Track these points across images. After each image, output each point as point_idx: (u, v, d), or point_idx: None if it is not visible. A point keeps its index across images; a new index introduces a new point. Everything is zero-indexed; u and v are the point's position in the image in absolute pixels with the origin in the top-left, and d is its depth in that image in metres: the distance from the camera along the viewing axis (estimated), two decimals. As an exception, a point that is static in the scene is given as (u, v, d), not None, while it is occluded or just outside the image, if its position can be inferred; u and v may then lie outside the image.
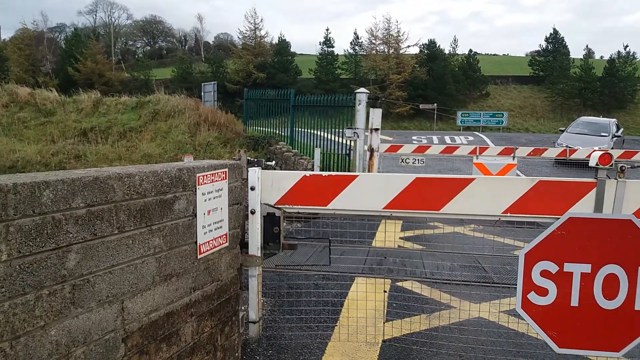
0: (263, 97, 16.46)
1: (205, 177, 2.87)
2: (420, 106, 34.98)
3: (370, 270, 5.67)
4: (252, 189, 3.32)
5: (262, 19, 46.96)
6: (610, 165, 2.93)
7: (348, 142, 11.77)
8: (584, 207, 3.05)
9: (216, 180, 2.96)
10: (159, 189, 2.59)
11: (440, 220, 8.40)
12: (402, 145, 12.29)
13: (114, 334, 2.25)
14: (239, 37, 48.39)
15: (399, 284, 5.26)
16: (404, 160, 11.92)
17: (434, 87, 39.30)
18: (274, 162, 3.76)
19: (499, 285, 5.21)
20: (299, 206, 3.34)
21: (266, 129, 16.15)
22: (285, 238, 3.63)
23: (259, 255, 3.42)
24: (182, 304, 2.83)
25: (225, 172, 3.06)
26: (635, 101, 40.24)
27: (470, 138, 26.71)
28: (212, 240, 2.99)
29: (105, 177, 2.20)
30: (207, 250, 2.96)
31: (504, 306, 4.47)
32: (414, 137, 26.51)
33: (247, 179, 3.35)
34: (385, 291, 4.39)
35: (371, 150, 10.37)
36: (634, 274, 2.86)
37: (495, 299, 4.71)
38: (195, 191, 2.82)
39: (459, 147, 12.14)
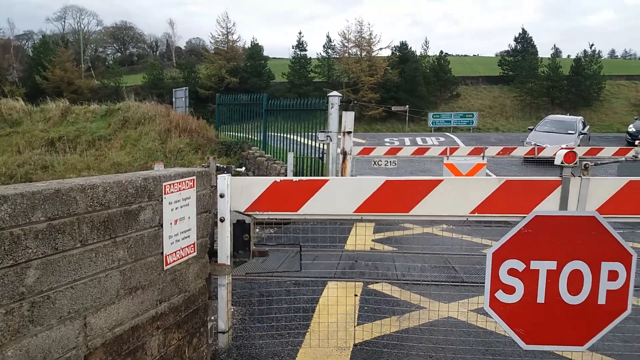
0: (235, 102, 16.38)
1: (171, 185, 2.82)
2: (393, 108, 35.28)
3: (342, 274, 5.67)
4: (222, 196, 3.29)
5: (234, 23, 46.82)
6: (575, 163, 3.00)
7: (321, 146, 11.79)
8: (549, 205, 3.11)
9: (183, 189, 2.92)
10: (123, 199, 2.54)
11: (411, 222, 8.46)
12: (375, 148, 12.38)
13: (75, 352, 2.19)
14: (211, 42, 48.16)
15: (371, 286, 5.27)
16: (376, 163, 12.00)
17: (405, 89, 39.71)
18: (243, 169, 3.75)
19: (469, 284, 5.27)
20: (270, 212, 3.32)
21: (239, 134, 16.07)
22: (256, 245, 3.60)
23: (229, 263, 3.38)
24: (148, 317, 2.77)
25: (193, 180, 3.02)
26: (601, 99, 41.35)
27: (442, 139, 27.05)
28: (179, 250, 2.94)
29: (67, 189, 2.15)
30: (174, 261, 2.92)
31: (473, 305, 4.52)
32: (387, 139, 26.71)
33: (216, 186, 3.31)
34: (356, 295, 4.40)
35: (344, 154, 10.41)
36: (597, 270, 2.93)
37: (465, 298, 4.76)
38: (162, 200, 2.77)
39: (430, 148, 12.28)
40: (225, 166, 3.36)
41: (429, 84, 41.48)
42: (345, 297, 4.52)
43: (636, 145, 11.38)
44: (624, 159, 9.24)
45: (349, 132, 10.36)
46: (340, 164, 10.47)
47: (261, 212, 3.30)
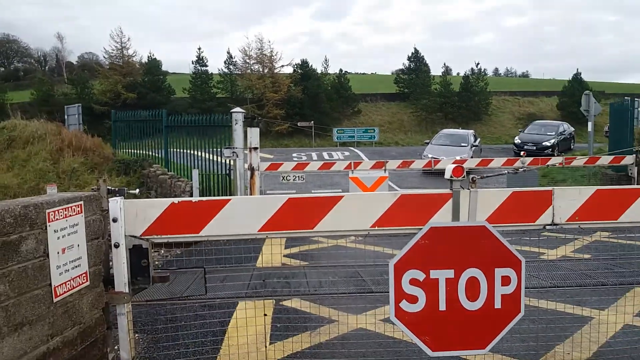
0: (133, 118, 15.68)
1: (56, 212, 2.60)
2: (298, 124, 35.66)
3: (254, 293, 5.57)
4: (115, 220, 3.08)
5: (129, 38, 44.71)
6: (463, 177, 3.17)
7: (228, 162, 11.60)
8: (443, 216, 3.26)
9: (70, 215, 2.71)
10: (0, 229, 2.30)
11: (320, 237, 8.55)
12: (282, 163, 12.42)
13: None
14: (104, 57, 45.70)
15: (284, 303, 5.22)
16: (285, 178, 12.04)
17: (309, 105, 40.31)
18: (137, 191, 3.54)
19: (378, 293, 5.39)
20: (169, 235, 3.17)
21: (139, 152, 15.36)
22: (157, 269, 3.42)
23: (127, 291, 3.17)
24: (38, 354, 2.54)
25: (81, 205, 2.81)
26: (489, 113, 44.65)
27: (347, 153, 27.76)
28: (69, 280, 2.71)
29: None
30: (65, 292, 2.69)
31: (383, 315, 4.62)
32: (294, 154, 26.92)
33: (108, 211, 3.10)
34: (265, 314, 4.33)
35: (252, 169, 10.32)
36: (492, 275, 3.10)
37: (375, 309, 4.86)
38: (46, 229, 2.55)
39: (335, 162, 12.56)
40: (117, 189, 3.16)
41: (332, 101, 42.45)
42: (256, 317, 4.42)
43: (521, 156, 12.40)
44: (507, 170, 10.03)
45: (256, 148, 10.30)
46: (249, 179, 10.36)
47: (159, 236, 3.14)
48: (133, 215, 3.13)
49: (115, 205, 3.08)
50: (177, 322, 4.43)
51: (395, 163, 12.27)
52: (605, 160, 12.75)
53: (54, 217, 2.57)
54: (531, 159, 12.30)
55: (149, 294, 5.17)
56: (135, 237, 3.16)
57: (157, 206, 3.14)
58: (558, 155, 21.66)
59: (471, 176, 3.20)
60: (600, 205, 3.51)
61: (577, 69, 50.77)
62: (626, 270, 6.33)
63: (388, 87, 49.53)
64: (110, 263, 3.29)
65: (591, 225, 3.58)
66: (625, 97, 16.31)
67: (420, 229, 3.01)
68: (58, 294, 2.64)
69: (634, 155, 12.18)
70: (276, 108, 40.00)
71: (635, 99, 15.04)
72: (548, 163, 12.23)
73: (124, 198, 3.16)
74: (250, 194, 9.98)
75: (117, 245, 3.14)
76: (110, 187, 3.18)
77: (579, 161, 12.80)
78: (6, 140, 16.83)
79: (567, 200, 3.41)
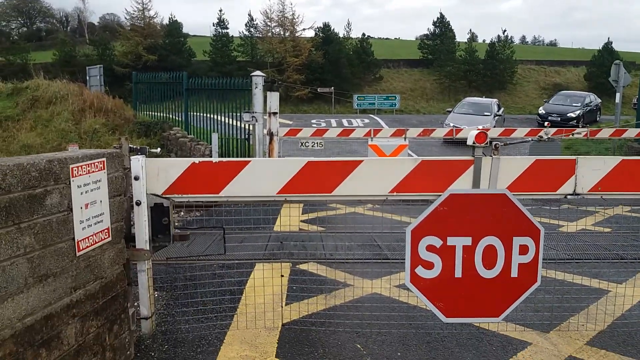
0: (154, 80, 15.70)
1: (80, 168, 2.64)
2: (318, 90, 35.32)
3: (271, 256, 5.65)
4: (136, 178, 3.13)
5: (150, -1, 44.20)
6: (486, 144, 3.12)
7: (247, 127, 11.61)
8: (463, 184, 3.23)
9: (93, 171, 2.75)
10: (26, 183, 2.35)
11: (336, 202, 8.58)
12: (301, 129, 12.38)
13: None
14: (126, 18, 45.38)
15: (300, 266, 5.30)
16: (303, 144, 12.03)
17: (330, 70, 39.78)
18: (159, 150, 3.57)
19: (393, 260, 5.43)
20: (189, 195, 3.21)
21: (159, 114, 15.45)
22: (177, 228, 3.48)
23: (148, 248, 3.24)
24: (62, 306, 2.62)
25: (103, 161, 2.85)
26: (514, 82, 43.62)
27: (366, 120, 27.54)
28: (92, 235, 2.78)
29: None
30: (87, 247, 2.75)
31: (397, 281, 4.66)
32: (313, 121, 26.81)
33: (130, 169, 3.15)
34: (282, 276, 4.40)
35: (270, 135, 10.32)
36: (509, 244, 3.09)
37: (390, 275, 4.90)
38: (70, 184, 2.59)
39: (354, 129, 12.48)
40: (139, 147, 3.19)
41: (353, 66, 41.80)
42: (273, 279, 4.50)
43: (545, 127, 12.15)
44: (530, 139, 9.86)
45: (275, 113, 10.27)
46: (268, 145, 10.38)
47: (180, 195, 3.18)
48: (154, 174, 3.18)
49: (137, 163, 3.12)
50: (196, 281, 4.53)
51: (415, 131, 12.14)
52: (632, 132, 12.41)
53: (78, 172, 2.62)
54: (555, 129, 12.06)
55: (168, 252, 5.30)
56: (156, 195, 3.21)
57: (178, 165, 3.17)
58: (583, 127, 21.23)
59: (494, 143, 3.15)
60: (624, 176, 3.44)
61: (608, 38, 48.75)
62: (647, 245, 6.26)
63: (411, 53, 48.56)
64: (132, 221, 3.36)
65: (614, 196, 3.52)
66: (657, 68, 15.77)
67: (440, 195, 2.99)
68: (81, 248, 2.70)
69: None
70: (296, 73, 39.61)
71: (668, 70, 14.54)
72: (572, 133, 11.99)
73: (146, 157, 3.20)
74: (270, 159, 10.01)
75: (138, 203, 3.20)
76: (132, 146, 3.22)
77: (605, 133, 12.50)
78: (29, 100, 17.05)
79: (591, 170, 3.35)
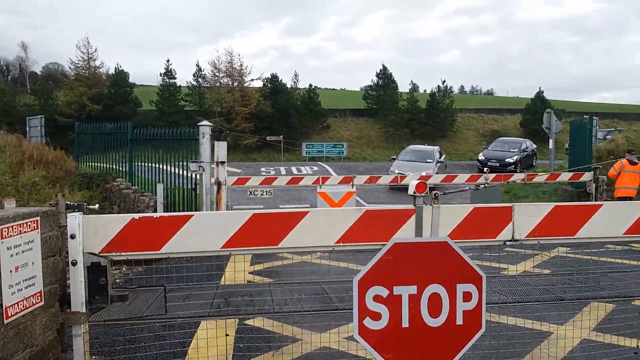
0: (98, 131, 15.36)
1: (10, 229, 2.51)
2: (267, 138, 35.55)
3: (217, 312, 5.47)
4: (73, 237, 2.99)
5: (96, 49, 43.55)
6: (426, 193, 3.21)
7: (194, 176, 11.47)
8: (407, 232, 3.28)
9: (25, 232, 2.61)
10: (-53, 247, 2.20)
11: (285, 253, 8.49)
12: (250, 178, 12.38)
13: None
14: (70, 68, 44.49)
15: (247, 322, 5.15)
16: (252, 193, 11.99)
17: (279, 119, 40.26)
18: (97, 206, 3.45)
19: (343, 310, 5.37)
20: (129, 253, 3.09)
21: (103, 165, 15.03)
22: (116, 288, 3.33)
23: (84, 311, 3.07)
24: (-16, 380, 2.42)
25: (37, 220, 2.72)
26: (454, 130, 45.53)
27: (315, 168, 27.82)
28: (22, 300, 2.61)
29: None
30: (17, 313, 2.58)
31: (347, 332, 4.60)
32: (263, 169, 26.82)
33: (66, 227, 3.01)
34: (227, 334, 4.25)
35: (218, 184, 10.22)
36: (454, 292, 3.12)
37: (340, 326, 4.83)
38: (-2, 246, 2.45)
39: (303, 177, 12.59)
40: (76, 204, 3.07)
41: (301, 116, 42.54)
42: (217, 338, 4.33)
43: (484, 172, 12.67)
44: (467, 187, 10.25)
45: (223, 162, 10.22)
46: (215, 194, 10.25)
47: (119, 253, 3.06)
48: (92, 232, 3.05)
49: (74, 221, 2.99)
50: (137, 343, 4.31)
51: (362, 178, 12.39)
52: (565, 177, 13.16)
53: (8, 233, 2.48)
54: (494, 175, 12.60)
55: (108, 313, 5.03)
56: (93, 254, 3.07)
57: (117, 222, 3.06)
58: (521, 172, 22.26)
59: (434, 192, 3.24)
60: (558, 221, 3.60)
61: (540, 87, 52.19)
62: (584, 285, 6.51)
63: (357, 103, 50.02)
64: (68, 281, 3.18)
65: (550, 240, 3.67)
66: (585, 116, 16.93)
67: (385, 244, 3.02)
68: (9, 315, 2.53)
69: (592, 172, 12.59)
70: (245, 122, 39.79)
71: (594, 117, 15.62)
72: (510, 179, 12.55)
73: (84, 214, 3.07)
74: (217, 209, 9.87)
75: (74, 263, 3.04)
76: (69, 202, 3.09)
77: (540, 178, 13.19)
78: (-37, 152, 16.21)
79: (527, 217, 3.49)
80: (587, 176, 12.71)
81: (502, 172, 19.70)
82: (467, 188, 7.55)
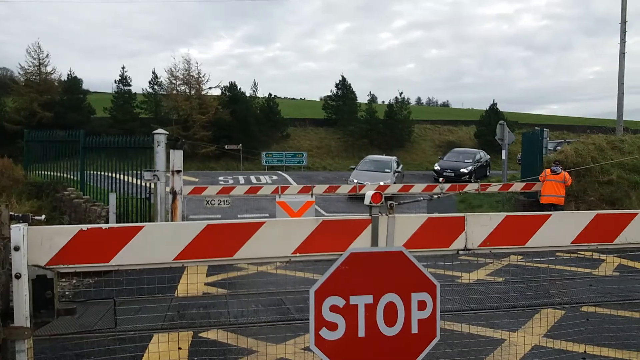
0: (48, 139, 14.83)
1: (-55, 241, 2.37)
2: (226, 147, 35.23)
3: (171, 325, 5.33)
4: (16, 249, 2.84)
5: (47, 54, 42.06)
6: (382, 203, 3.23)
7: (149, 185, 11.21)
8: (363, 242, 3.30)
9: (-38, 244, 2.47)
10: None
11: (243, 263, 8.40)
12: (207, 187, 12.19)
13: None
14: (19, 73, 42.82)
15: (202, 334, 5.05)
16: (209, 202, 11.81)
17: (238, 128, 39.95)
18: (43, 217, 3.30)
19: (300, 321, 5.34)
20: (76, 265, 2.96)
21: (54, 174, 14.50)
22: (64, 301, 3.19)
23: (28, 326, 2.92)
24: None
25: (-24, 232, 2.58)
26: (412, 140, 46.45)
27: (275, 177, 27.74)
28: (-42, 316, 2.46)
29: None
30: (-48, 330, 2.43)
31: (304, 344, 4.58)
32: (221, 178, 26.50)
33: (9, 238, 2.86)
34: (180, 348, 4.15)
35: (174, 193, 10.02)
36: (408, 300, 3.15)
37: (296, 337, 4.81)
38: None
39: (262, 187, 12.52)
40: (21, 215, 2.93)
41: (261, 124, 42.40)
42: (170, 352, 4.22)
43: (440, 182, 12.96)
44: (421, 197, 10.47)
45: (179, 171, 10.03)
46: (170, 204, 10.05)
47: (67, 265, 2.93)
48: (38, 244, 2.91)
49: (18, 232, 2.85)
50: (86, 358, 4.14)
51: (322, 188, 12.42)
52: (517, 187, 13.62)
53: (-58, 246, 2.34)
54: (449, 185, 12.90)
55: (56, 327, 4.82)
56: (39, 266, 2.93)
57: (64, 234, 2.94)
58: (475, 182, 22.86)
59: (389, 202, 3.27)
60: (509, 230, 3.69)
61: (494, 100, 53.91)
62: (535, 292, 6.71)
63: (316, 113, 50.28)
64: (11, 295, 3.03)
65: (501, 250, 3.75)
66: (536, 127, 17.58)
67: (341, 254, 3.02)
68: (-56, 332, 2.38)
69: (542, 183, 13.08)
70: (203, 130, 39.31)
71: (545, 129, 16.24)
72: (464, 189, 12.88)
73: (29, 225, 2.93)
74: (172, 219, 9.67)
75: (18, 276, 2.89)
76: (13, 213, 2.95)
77: (494, 188, 13.57)
78: None
79: (479, 226, 3.56)
80: (538, 186, 13.19)
81: (457, 181, 20.22)
82: (422, 198, 7.70)
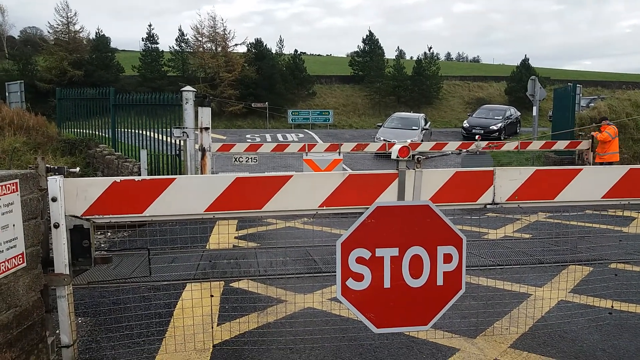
0: (80, 97, 15.06)
1: (-11, 190, 2.48)
2: (252, 105, 35.20)
3: (203, 275, 5.52)
4: (54, 200, 2.97)
5: (75, 13, 42.25)
6: (409, 157, 3.23)
7: (178, 142, 11.37)
8: (389, 196, 3.32)
9: (5, 194, 2.59)
10: None
11: (268, 217, 8.55)
12: (235, 144, 12.30)
13: None
14: (49, 32, 43.09)
15: (233, 284, 5.21)
16: (237, 159, 11.94)
17: (264, 85, 39.76)
18: (77, 169, 3.41)
19: (327, 274, 5.46)
20: (111, 215, 3.08)
21: (85, 131, 14.81)
22: (100, 250, 3.33)
23: (67, 273, 3.08)
24: (-31, 340, 2.43)
25: (16, 183, 2.69)
26: (440, 97, 45.49)
27: (301, 135, 27.72)
28: (4, 262, 2.61)
29: None
30: (-1, 274, 2.58)
31: (330, 294, 4.69)
32: (248, 136, 26.65)
33: (47, 190, 2.98)
34: (212, 296, 4.30)
35: (203, 150, 10.16)
36: (434, 253, 3.19)
37: (324, 288, 4.93)
38: (-23, 208, 2.43)
39: (289, 144, 12.55)
40: (56, 167, 3.03)
41: (286, 82, 42.05)
42: (203, 299, 4.39)
43: (476, 140, 12.65)
44: (449, 152, 10.32)
45: (207, 129, 10.13)
46: (200, 160, 10.21)
47: (101, 216, 3.05)
48: (73, 195, 3.03)
49: (55, 184, 2.96)
50: (122, 305, 4.35)
51: (349, 146, 12.37)
52: (561, 144, 12.96)
53: (-14, 195, 2.46)
54: (486, 142, 12.62)
55: (93, 276, 5.05)
56: (76, 217, 3.06)
57: (98, 185, 3.04)
58: (505, 139, 22.44)
59: (416, 156, 3.27)
60: (538, 185, 3.66)
61: (525, 55, 52.02)
62: (562, 249, 6.67)
63: (343, 70, 49.53)
64: (51, 244, 3.18)
65: (529, 204, 3.73)
66: (569, 83, 16.97)
67: (367, 208, 3.05)
68: (-8, 276, 2.53)
69: (590, 140, 12.44)
70: (230, 88, 39.28)
71: (577, 85, 15.67)
72: (503, 147, 12.55)
73: (64, 177, 3.04)
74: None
75: (56, 226, 3.03)
76: (49, 166, 3.06)
77: (535, 145, 13.01)
78: (-61, 118, 15.84)
79: (508, 180, 3.54)
80: (584, 144, 12.52)
81: (486, 139, 19.81)
82: (449, 152, 7.62)
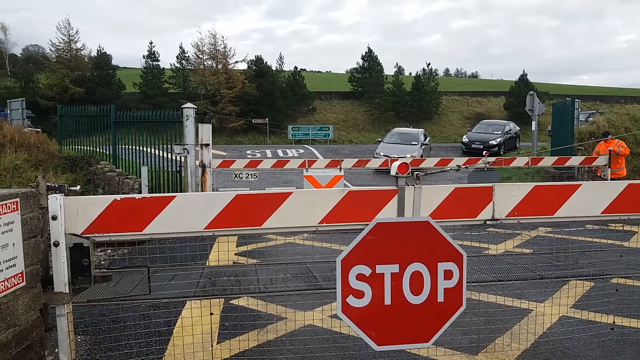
0: (81, 114, 15.15)
1: (-11, 209, 2.49)
2: (253, 121, 35.40)
3: (203, 292, 5.50)
4: (54, 218, 2.97)
5: (77, 31, 42.89)
6: (408, 174, 3.24)
7: (179, 159, 11.41)
8: (389, 212, 3.32)
9: (5, 213, 2.60)
10: None
11: (268, 234, 8.53)
12: (235, 161, 12.32)
13: None
14: (51, 50, 43.58)
15: (233, 302, 5.19)
16: (237, 175, 11.96)
17: (264, 102, 40.03)
18: (78, 187, 3.42)
19: (327, 290, 5.44)
20: (111, 234, 3.08)
21: (86, 148, 14.87)
22: (100, 268, 3.33)
23: (67, 291, 3.07)
24: (-33, 360, 2.42)
25: (17, 202, 2.70)
26: (439, 112, 45.74)
27: (301, 151, 27.78)
28: (3, 281, 2.61)
29: None
30: (-2, 294, 2.58)
31: (331, 311, 4.67)
32: (248, 152, 26.71)
33: (47, 208, 2.99)
34: (212, 313, 4.28)
35: (203, 167, 10.19)
36: (435, 270, 3.18)
37: (324, 305, 4.90)
38: (-23, 227, 2.44)
39: (289, 160, 12.57)
40: (57, 185, 3.04)
41: (287, 98, 42.34)
42: (202, 317, 4.36)
43: (483, 156, 12.58)
44: (449, 168, 10.28)
45: (207, 145, 10.17)
46: (200, 177, 10.23)
47: (101, 234, 3.05)
48: (74, 213, 3.03)
49: (55, 202, 2.97)
50: (122, 323, 4.32)
51: (350, 162, 12.34)
52: (575, 160, 12.37)
53: (-14, 214, 2.46)
54: (494, 159, 12.58)
55: (93, 294, 5.03)
56: (76, 235, 3.06)
57: (98, 203, 3.05)
58: (504, 153, 22.47)
59: (415, 173, 3.27)
60: (538, 200, 3.66)
61: (523, 70, 52.41)
62: (563, 264, 6.65)
63: (342, 86, 49.88)
64: (50, 262, 3.17)
65: (529, 220, 3.73)
66: (567, 98, 17.05)
67: (367, 224, 3.05)
68: (-9, 295, 2.53)
69: (608, 155, 11.76)
70: (231, 104, 39.54)
71: (576, 99, 15.76)
72: (512, 163, 12.46)
73: (65, 195, 3.05)
74: (202, 192, 9.85)
75: (56, 244, 3.03)
76: (50, 184, 3.07)
77: (547, 162, 12.76)
78: (-59, 136, 15.90)
79: (507, 196, 3.54)
80: (601, 160, 11.81)
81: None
82: (449, 169, 7.66)
